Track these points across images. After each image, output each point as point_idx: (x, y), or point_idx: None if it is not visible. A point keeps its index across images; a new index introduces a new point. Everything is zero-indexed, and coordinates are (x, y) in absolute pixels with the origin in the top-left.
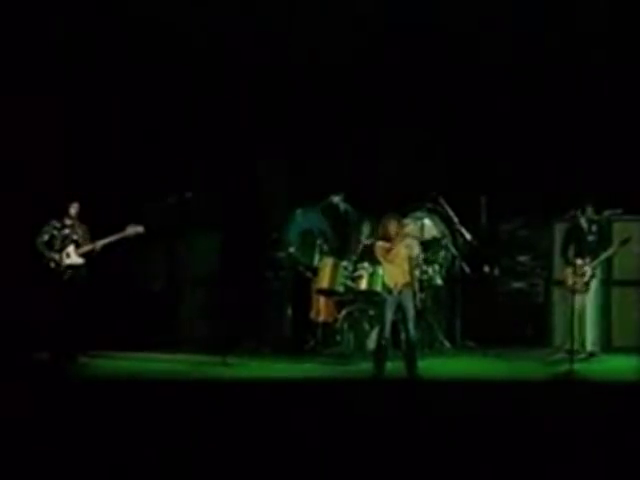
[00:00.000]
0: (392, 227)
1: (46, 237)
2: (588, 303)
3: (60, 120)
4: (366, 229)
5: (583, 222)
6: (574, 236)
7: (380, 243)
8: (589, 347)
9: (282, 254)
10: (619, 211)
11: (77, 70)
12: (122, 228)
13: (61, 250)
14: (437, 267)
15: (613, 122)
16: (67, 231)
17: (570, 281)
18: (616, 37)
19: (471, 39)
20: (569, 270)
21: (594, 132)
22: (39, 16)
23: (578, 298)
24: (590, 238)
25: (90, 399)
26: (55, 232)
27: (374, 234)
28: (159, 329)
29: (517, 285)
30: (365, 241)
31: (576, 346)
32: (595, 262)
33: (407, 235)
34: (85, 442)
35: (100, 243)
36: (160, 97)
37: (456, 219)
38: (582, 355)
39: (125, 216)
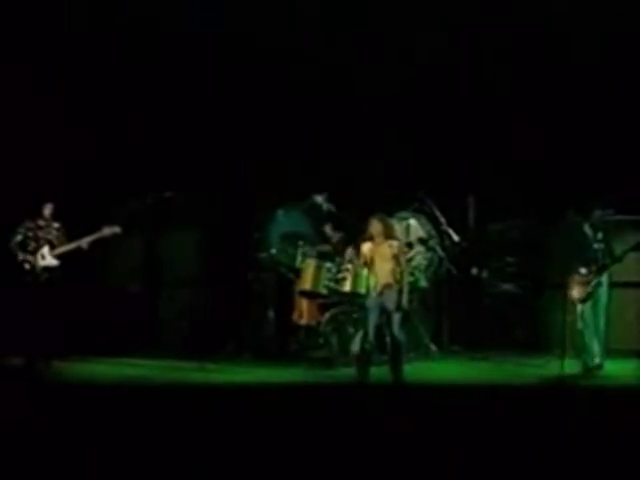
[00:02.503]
0: (376, 227)
1: (19, 238)
2: (595, 313)
3: (39, 117)
4: (328, 229)
5: (587, 228)
6: (578, 243)
7: (365, 245)
8: (595, 360)
9: (263, 255)
10: (611, 211)
11: (57, 67)
12: (98, 228)
13: (35, 251)
14: (423, 269)
15: (604, 120)
16: (41, 232)
17: (574, 291)
18: (609, 37)
19: (462, 38)
20: (573, 279)
21: (585, 130)
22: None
23: (581, 307)
24: (595, 246)
25: (65, 405)
26: (29, 233)
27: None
28: (137, 332)
29: (506, 287)
30: (333, 240)
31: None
32: (602, 272)
33: (393, 235)
34: (59, 449)
35: (85, 240)
36: (141, 94)
37: (443, 219)
38: (589, 367)
39: (103, 216)
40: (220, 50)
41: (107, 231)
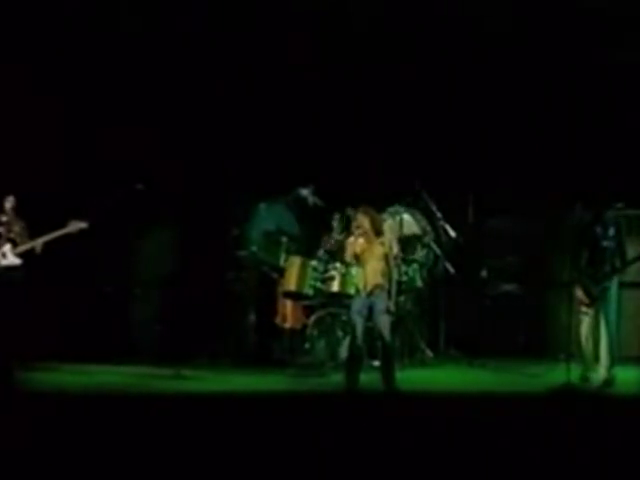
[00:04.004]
0: (365, 221)
1: None
2: (604, 319)
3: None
4: (337, 224)
5: (597, 225)
6: (587, 241)
7: (351, 239)
8: (604, 374)
9: (244, 253)
10: (620, 205)
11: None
12: (63, 224)
13: None
14: (418, 267)
15: (605, 114)
16: (2, 229)
17: (580, 293)
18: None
19: (459, 32)
20: (579, 280)
21: (587, 124)
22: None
23: (587, 311)
24: (605, 244)
25: (33, 417)
26: None
27: (346, 229)
28: (107, 337)
29: (507, 288)
30: (337, 237)
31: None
32: (612, 276)
33: (382, 231)
34: (22, 463)
35: (40, 241)
36: (126, 87)
37: (439, 214)
38: (597, 384)
39: (69, 211)
40: (204, 45)
41: (73, 227)
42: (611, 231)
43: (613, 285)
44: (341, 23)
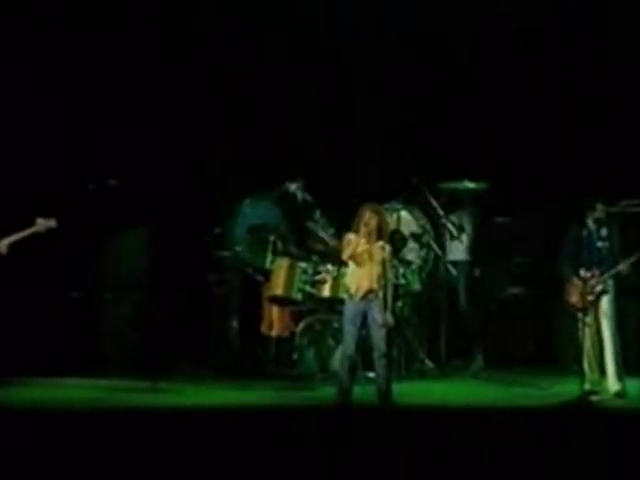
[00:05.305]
0: (372, 221)
1: None
2: (603, 326)
3: None
4: (318, 220)
5: (591, 224)
6: (579, 241)
7: (351, 236)
8: (613, 386)
9: (227, 253)
10: (638, 201)
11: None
12: (31, 222)
13: None
14: (416, 270)
15: (610, 112)
16: None
17: (574, 298)
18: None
19: (458, 31)
20: (572, 284)
21: (590, 123)
22: None
23: (582, 318)
24: (599, 244)
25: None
26: None
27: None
28: (76, 346)
29: (514, 291)
30: (322, 235)
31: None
32: (605, 275)
33: (386, 235)
34: None
35: (5, 242)
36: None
37: (440, 211)
38: (605, 396)
39: (36, 208)
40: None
41: (41, 226)
42: (603, 231)
43: (610, 289)
44: (337, 19)
